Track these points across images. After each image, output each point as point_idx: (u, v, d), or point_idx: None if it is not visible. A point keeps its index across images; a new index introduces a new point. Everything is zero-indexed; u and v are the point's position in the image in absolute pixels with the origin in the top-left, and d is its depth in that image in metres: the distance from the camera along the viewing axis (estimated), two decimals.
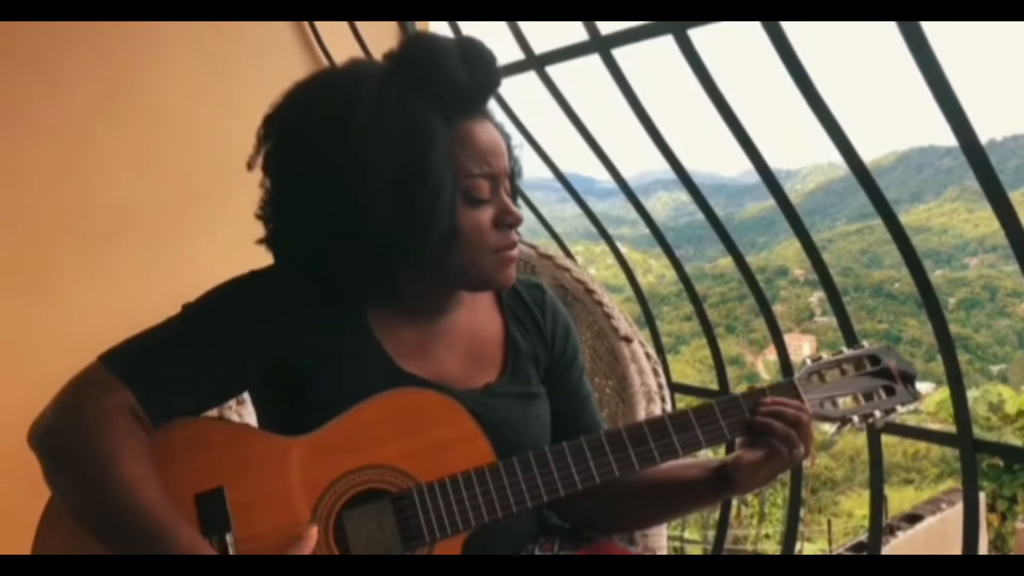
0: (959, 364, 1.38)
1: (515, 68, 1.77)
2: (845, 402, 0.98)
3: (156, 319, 0.91)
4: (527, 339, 1.03)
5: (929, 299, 1.35)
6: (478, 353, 1.00)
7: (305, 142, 0.86)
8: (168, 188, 2.09)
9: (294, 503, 0.86)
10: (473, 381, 0.98)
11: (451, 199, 0.86)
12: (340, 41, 2.25)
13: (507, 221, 0.91)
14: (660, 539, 1.21)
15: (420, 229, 0.85)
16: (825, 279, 1.51)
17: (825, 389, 0.97)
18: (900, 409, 0.98)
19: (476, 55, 0.87)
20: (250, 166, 0.90)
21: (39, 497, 0.87)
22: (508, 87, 1.76)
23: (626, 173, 1.81)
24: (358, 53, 2.20)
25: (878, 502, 1.60)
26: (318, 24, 2.27)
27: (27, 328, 1.87)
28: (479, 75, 0.87)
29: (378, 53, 0.93)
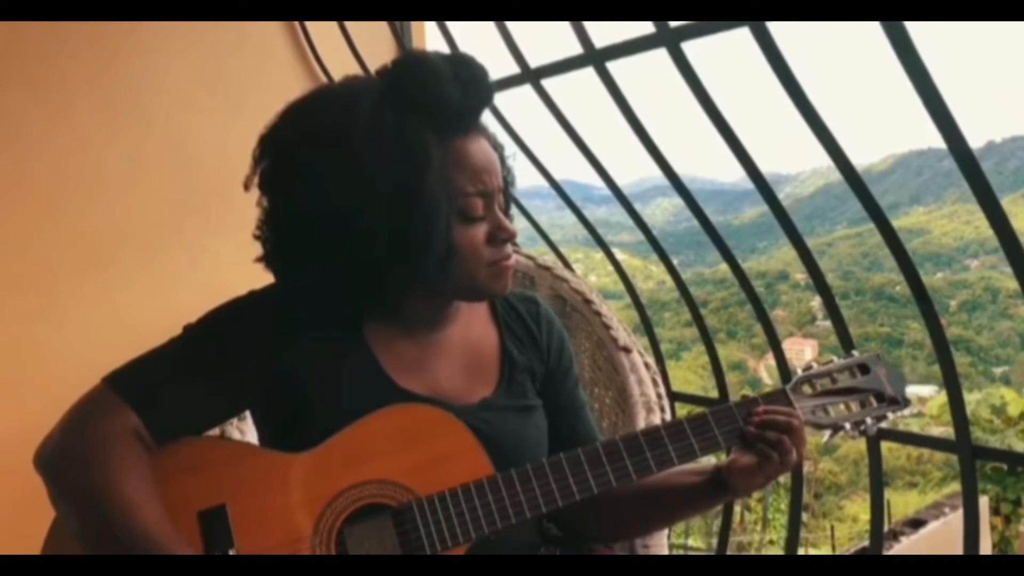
0: (956, 370, 1.38)
1: (511, 82, 1.78)
2: (837, 410, 1.00)
3: (157, 336, 0.92)
4: (523, 352, 1.04)
5: (925, 305, 1.36)
6: (474, 367, 1.01)
7: (299, 162, 0.87)
8: (167, 204, 2.10)
9: (296, 519, 0.87)
10: (470, 395, 0.98)
11: (446, 220, 0.87)
12: (335, 52, 2.27)
13: (501, 237, 0.93)
14: (661, 548, 1.21)
15: (416, 250, 0.87)
16: (822, 285, 1.52)
17: (817, 398, 0.99)
18: (891, 416, 0.99)
19: (468, 73, 0.88)
20: (246, 186, 0.91)
21: (39, 514, 0.88)
22: (503, 97, 1.77)
23: (625, 179, 1.83)
24: (352, 63, 2.21)
25: (879, 508, 1.60)
26: (313, 35, 2.28)
27: (26, 345, 1.88)
28: (471, 93, 0.89)
29: (371, 59, 0.95)
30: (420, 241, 0.86)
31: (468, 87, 0.88)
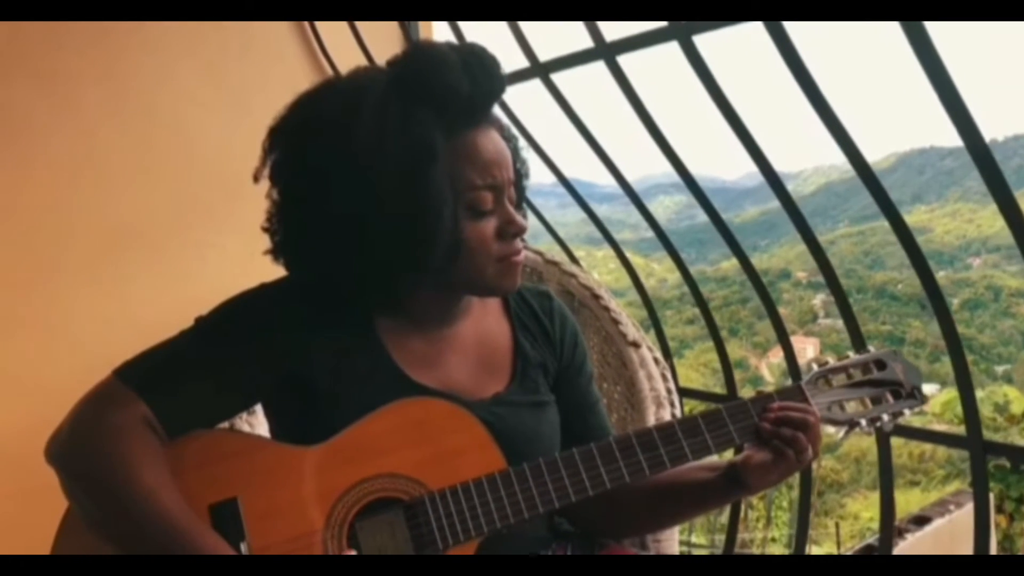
0: (968, 365, 1.38)
1: (520, 76, 1.77)
2: (852, 406, 0.98)
3: (164, 331, 0.91)
4: (536, 347, 1.03)
5: (936, 301, 1.35)
6: (487, 362, 1.00)
7: (308, 154, 0.87)
8: (174, 200, 2.09)
9: (307, 512, 0.86)
10: (482, 390, 0.98)
11: (452, 215, 0.86)
12: (343, 49, 2.26)
13: (511, 231, 0.91)
14: (672, 544, 1.21)
15: (422, 244, 0.86)
16: (832, 281, 1.51)
17: (832, 394, 0.98)
18: (907, 413, 0.98)
19: (479, 64, 0.87)
20: (256, 178, 0.90)
21: (52, 509, 0.88)
22: (510, 92, 1.76)
23: (626, 177, 1.82)
24: (361, 60, 2.20)
25: (888, 506, 1.59)
26: (322, 33, 2.28)
27: (34, 341, 1.88)
28: (482, 84, 0.87)
29: (380, 58, 0.93)
30: (425, 235, 0.85)
31: (478, 78, 0.86)
